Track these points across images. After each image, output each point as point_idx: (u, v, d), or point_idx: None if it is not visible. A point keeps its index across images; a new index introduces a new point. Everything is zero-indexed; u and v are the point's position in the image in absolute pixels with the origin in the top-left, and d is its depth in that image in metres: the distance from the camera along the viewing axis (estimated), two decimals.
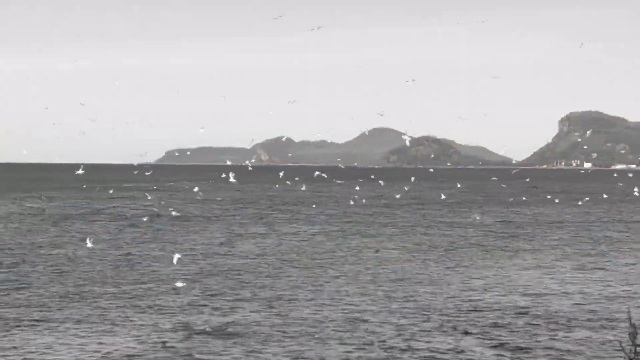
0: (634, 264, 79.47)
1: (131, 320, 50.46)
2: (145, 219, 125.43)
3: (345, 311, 53.85)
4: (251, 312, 53.46)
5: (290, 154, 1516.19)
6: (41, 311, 53.07)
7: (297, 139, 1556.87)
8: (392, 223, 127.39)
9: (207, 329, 47.94)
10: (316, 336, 46.56)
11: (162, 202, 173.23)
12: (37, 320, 50.11)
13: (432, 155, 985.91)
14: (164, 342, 44.72)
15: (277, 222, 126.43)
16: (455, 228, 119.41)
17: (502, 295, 60.39)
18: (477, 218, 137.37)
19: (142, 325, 49.18)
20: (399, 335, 47.00)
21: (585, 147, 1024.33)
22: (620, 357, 17.20)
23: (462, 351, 43.40)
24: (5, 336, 46.04)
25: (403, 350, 43.50)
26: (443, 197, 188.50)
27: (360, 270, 73.45)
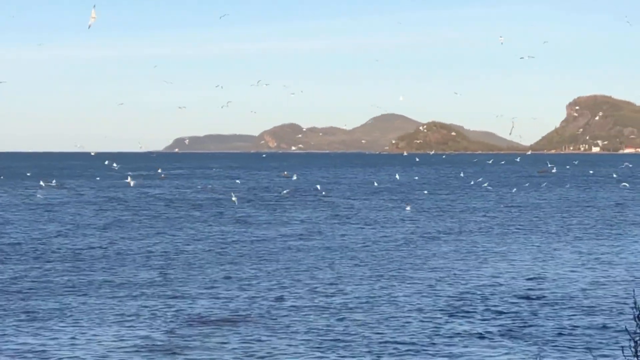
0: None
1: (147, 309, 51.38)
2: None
3: (355, 296, 54.71)
4: (265, 299, 54.35)
5: (298, 141, 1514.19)
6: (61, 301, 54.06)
7: (304, 126, 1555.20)
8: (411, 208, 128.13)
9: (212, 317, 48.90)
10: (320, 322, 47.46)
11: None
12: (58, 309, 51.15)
13: (442, 140, 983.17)
14: (170, 331, 45.67)
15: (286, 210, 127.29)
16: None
17: (509, 280, 61.19)
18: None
19: (154, 314, 50.13)
20: (412, 320, 47.86)
21: (593, 131, 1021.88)
22: (626, 339, 17.99)
23: (467, 335, 44.25)
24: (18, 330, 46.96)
25: (416, 333, 44.39)
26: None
27: (372, 256, 74.34)
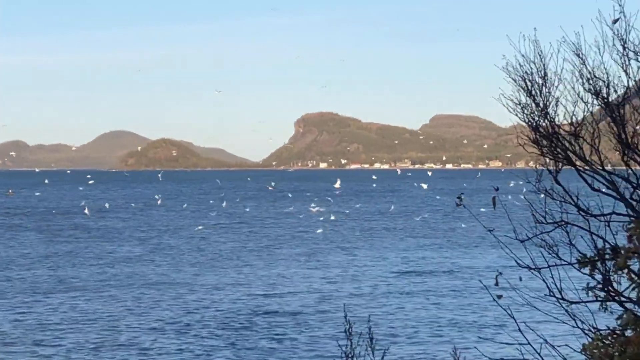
0: (357, 261, 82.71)
1: None
2: None
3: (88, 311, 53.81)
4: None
5: (23, 158, 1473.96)
6: None
7: (31, 143, 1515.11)
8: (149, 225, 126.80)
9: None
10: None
11: None
12: None
13: (172, 157, 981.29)
14: None
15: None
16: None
17: (241, 295, 61.73)
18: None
19: None
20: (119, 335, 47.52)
21: (320, 148, 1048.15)
22: (338, 356, 18.46)
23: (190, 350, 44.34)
24: None
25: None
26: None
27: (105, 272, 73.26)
